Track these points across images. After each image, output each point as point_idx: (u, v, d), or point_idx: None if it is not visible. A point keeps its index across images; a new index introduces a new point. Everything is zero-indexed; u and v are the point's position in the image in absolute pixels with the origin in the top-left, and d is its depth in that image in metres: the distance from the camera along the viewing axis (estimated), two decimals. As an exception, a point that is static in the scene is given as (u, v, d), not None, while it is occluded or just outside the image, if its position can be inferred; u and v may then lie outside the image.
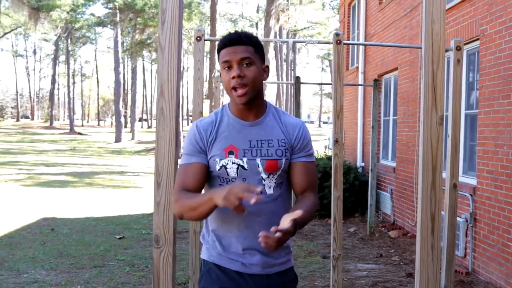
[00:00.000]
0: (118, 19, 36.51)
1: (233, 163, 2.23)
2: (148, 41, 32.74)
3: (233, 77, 2.18)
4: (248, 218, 2.22)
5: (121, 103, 41.63)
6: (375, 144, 9.32)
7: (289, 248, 2.44)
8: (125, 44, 45.45)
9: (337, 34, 5.07)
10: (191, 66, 7.55)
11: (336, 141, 4.95)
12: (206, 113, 12.67)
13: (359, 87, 12.60)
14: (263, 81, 2.34)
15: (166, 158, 2.48)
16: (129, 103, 57.83)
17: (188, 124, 56.74)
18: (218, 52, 2.32)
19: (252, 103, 2.25)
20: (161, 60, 2.52)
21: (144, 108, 74.13)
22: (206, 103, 12.90)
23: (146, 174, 19.32)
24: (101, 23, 46.79)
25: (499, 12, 6.18)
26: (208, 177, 2.30)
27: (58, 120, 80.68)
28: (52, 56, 65.60)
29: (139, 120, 67.54)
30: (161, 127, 2.49)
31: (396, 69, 10.15)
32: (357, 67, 12.98)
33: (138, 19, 32.17)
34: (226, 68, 2.22)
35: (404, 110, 9.53)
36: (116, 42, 39.47)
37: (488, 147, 6.38)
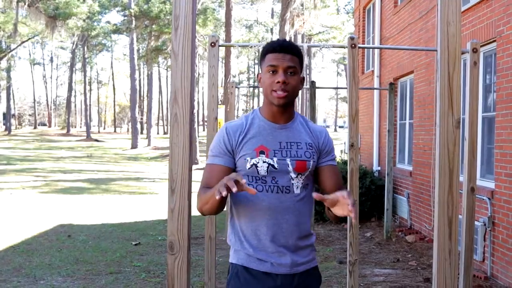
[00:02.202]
0: (133, 26, 36.74)
1: (263, 162, 2.33)
2: (164, 48, 32.90)
3: (278, 82, 2.30)
4: (276, 217, 2.34)
5: (137, 109, 41.84)
6: (391, 148, 9.26)
7: (313, 246, 2.52)
8: (140, 51, 45.73)
9: (351, 38, 5.04)
10: (206, 72, 7.60)
11: (351, 146, 4.92)
12: (221, 119, 12.68)
13: (375, 90, 12.54)
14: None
15: (180, 164, 2.47)
16: (145, 110, 58.12)
17: (204, 130, 56.86)
18: (264, 55, 2.40)
19: (286, 108, 2.39)
20: (174, 66, 2.51)
21: (160, 114, 74.47)
22: (221, 109, 12.90)
23: (162, 180, 19.37)
24: (117, 30, 47.14)
25: (516, 14, 6.12)
26: (238, 169, 2.39)
27: (75, 127, 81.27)
28: (69, 63, 66.19)
29: (155, 125, 67.84)
30: (175, 133, 2.49)
31: (412, 72, 10.09)
32: (373, 71, 12.93)
33: (154, 26, 32.34)
34: (271, 72, 2.33)
35: (421, 114, 9.46)
36: (131, 49, 39.70)
37: (506, 150, 6.31)
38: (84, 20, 42.10)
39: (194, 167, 25.86)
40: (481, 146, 7.26)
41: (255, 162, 2.33)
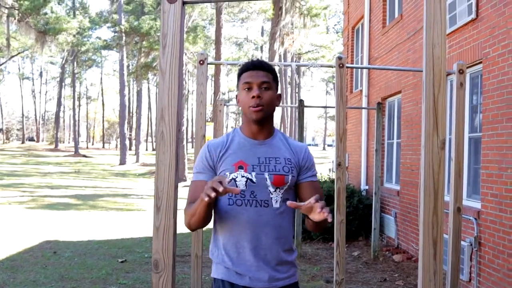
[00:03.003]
0: (123, 42, 36.78)
1: (242, 176, 2.40)
2: (153, 64, 32.91)
3: (253, 97, 2.42)
4: (255, 230, 2.39)
5: (126, 125, 41.75)
6: (379, 167, 9.30)
7: (293, 262, 2.55)
8: (130, 67, 45.74)
9: (339, 58, 5.08)
10: (195, 89, 7.54)
11: (339, 165, 4.94)
12: (209, 136, 12.69)
13: (363, 110, 12.61)
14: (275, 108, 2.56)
15: (166, 182, 2.46)
16: (134, 126, 58.00)
17: (192, 147, 56.76)
18: (240, 75, 2.54)
19: (264, 124, 2.49)
20: (161, 84, 2.52)
21: (149, 131, 74.32)
22: (210, 126, 12.90)
23: (150, 197, 19.29)
24: (107, 46, 47.18)
25: (502, 36, 6.20)
26: (218, 198, 2.43)
27: (63, 142, 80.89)
28: (58, 78, 66.06)
29: (144, 142, 67.67)
30: (161, 151, 2.49)
31: (399, 92, 10.17)
32: (361, 90, 13.01)
33: (144, 42, 32.36)
34: (246, 89, 2.47)
35: (408, 133, 9.52)
36: (121, 65, 39.72)
37: (492, 170, 6.36)
38: (74, 36, 42.05)
39: (181, 184, 25.78)
40: (468, 166, 7.30)
41: (234, 177, 2.40)
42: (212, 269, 2.56)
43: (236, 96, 2.61)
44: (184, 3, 2.61)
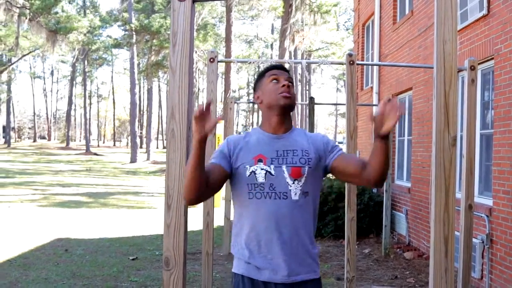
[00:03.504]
0: (134, 40, 36.90)
1: (261, 169, 2.46)
2: (164, 62, 33.04)
3: (283, 85, 2.54)
4: (275, 222, 2.42)
5: (136, 123, 41.86)
6: (390, 164, 9.27)
7: (314, 258, 2.56)
8: (141, 65, 45.87)
9: (349, 55, 5.07)
10: (206, 87, 7.59)
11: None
12: (220, 134, 12.68)
13: (374, 107, 12.56)
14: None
15: (176, 180, 2.47)
16: (144, 124, 58.17)
17: (203, 145, 56.77)
18: (263, 74, 2.68)
19: (286, 116, 2.58)
20: (172, 82, 2.53)
21: (160, 129, 74.52)
22: (220, 124, 12.91)
23: (160, 195, 19.33)
24: (117, 45, 47.34)
25: (514, 32, 6.16)
26: (236, 186, 2.52)
27: (75, 140, 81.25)
28: (69, 77, 66.41)
29: (155, 140, 67.82)
30: (172, 149, 2.50)
31: (410, 89, 10.12)
32: (372, 87, 12.96)
33: (154, 40, 32.48)
34: (274, 81, 2.59)
35: (419, 130, 9.48)
36: (132, 63, 39.82)
37: (504, 167, 6.32)
38: (85, 34, 42.25)
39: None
40: (479, 163, 7.26)
41: (254, 170, 2.45)
42: (233, 264, 2.59)
43: (254, 94, 2.69)
44: (194, 1, 2.62)
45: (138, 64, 44.98)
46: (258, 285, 2.47)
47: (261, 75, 2.69)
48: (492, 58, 6.79)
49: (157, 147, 67.24)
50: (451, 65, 2.52)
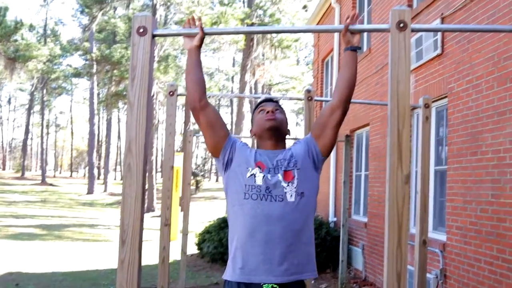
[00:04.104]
0: (94, 70, 36.62)
1: (260, 173, 2.65)
2: (124, 93, 32.82)
3: (267, 112, 2.80)
4: (271, 223, 2.56)
5: (95, 154, 41.34)
6: (347, 199, 9.36)
7: (310, 257, 2.68)
8: (101, 95, 45.46)
9: (308, 91, 5.15)
10: (165, 120, 7.52)
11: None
12: (178, 167, 12.60)
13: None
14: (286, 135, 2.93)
15: (131, 215, 2.46)
16: (103, 155, 57.42)
17: (161, 177, 56.39)
18: (254, 110, 2.95)
19: (278, 141, 2.82)
20: (129, 116, 2.53)
21: (118, 160, 73.59)
22: (179, 156, 12.84)
23: (117, 227, 19.02)
24: (77, 74, 46.82)
25: (466, 71, 6.36)
26: (234, 184, 2.69)
27: (30, 170, 79.48)
28: (27, 106, 65.27)
29: (113, 171, 66.93)
30: (128, 183, 2.48)
31: (367, 124, 10.30)
32: (330, 122, 13.10)
33: (115, 71, 32.28)
34: (261, 112, 2.84)
35: (376, 166, 9.62)
36: (92, 93, 39.50)
37: (457, 203, 6.45)
38: (44, 63, 41.75)
39: (150, 214, 25.51)
40: (433, 198, 7.40)
41: (254, 173, 2.64)
42: (226, 271, 2.69)
43: (251, 130, 2.95)
44: (154, 36, 2.64)
45: (98, 94, 44.61)
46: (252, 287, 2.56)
47: (253, 113, 2.95)
48: (446, 96, 6.98)
49: (115, 179, 66.28)
50: (405, 105, 2.59)
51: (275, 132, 2.79)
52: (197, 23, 2.69)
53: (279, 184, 2.63)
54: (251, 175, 2.64)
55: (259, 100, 2.96)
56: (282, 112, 2.89)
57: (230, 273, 2.63)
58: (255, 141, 2.91)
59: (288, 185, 2.63)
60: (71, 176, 76.02)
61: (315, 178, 2.80)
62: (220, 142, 2.75)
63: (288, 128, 2.93)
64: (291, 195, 2.62)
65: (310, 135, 2.84)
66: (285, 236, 2.56)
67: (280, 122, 2.81)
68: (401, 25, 2.57)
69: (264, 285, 2.55)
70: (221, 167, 2.78)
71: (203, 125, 2.74)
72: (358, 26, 2.73)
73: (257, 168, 2.66)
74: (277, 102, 2.92)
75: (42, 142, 58.14)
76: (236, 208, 2.65)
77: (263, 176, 2.63)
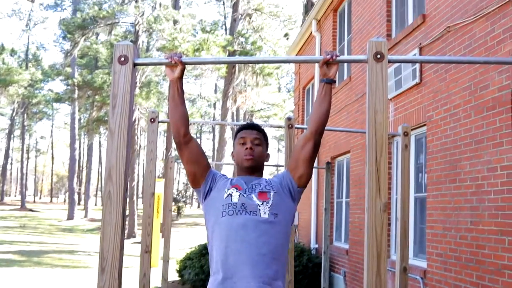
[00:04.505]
0: (76, 95, 36.50)
1: (236, 191, 2.84)
2: (106, 119, 32.70)
3: (246, 148, 2.94)
4: (244, 234, 2.70)
5: (75, 180, 40.99)
6: (328, 226, 9.39)
7: (279, 274, 2.76)
8: (82, 120, 45.24)
9: (288, 119, 5.20)
10: (146, 146, 7.56)
11: (287, 224, 4.98)
12: (159, 193, 12.57)
13: (313, 169, 12.75)
14: (264, 162, 3.10)
15: (111, 242, 2.45)
16: (83, 180, 56.93)
17: (143, 203, 55.95)
18: (236, 134, 3.07)
19: (254, 172, 2.98)
20: (110, 144, 2.54)
21: (99, 185, 72.98)
22: (161, 182, 12.81)
23: (97, 254, 18.79)
24: (59, 99, 46.54)
25: (444, 100, 6.46)
26: (212, 208, 2.86)
27: (10, 196, 78.50)
28: (7, 130, 64.72)
29: (93, 196, 66.31)
30: (108, 210, 2.49)
31: (348, 152, 10.37)
32: (311, 149, 13.17)
33: (96, 96, 32.19)
34: (241, 144, 2.98)
35: (357, 192, 9.67)
36: (73, 118, 39.30)
37: (437, 230, 6.50)
38: (25, 88, 41.63)
39: (131, 240, 25.27)
40: (414, 226, 7.44)
41: (231, 193, 2.83)
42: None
43: (232, 153, 3.10)
44: (135, 65, 2.67)
45: (79, 119, 44.41)
46: None
47: (234, 136, 3.09)
48: (425, 125, 7.07)
49: (96, 204, 65.69)
50: (382, 134, 2.64)
51: (252, 169, 2.97)
52: (176, 57, 2.76)
53: (254, 202, 2.79)
54: (228, 195, 2.83)
55: (240, 126, 3.10)
56: (262, 140, 3.02)
57: (209, 285, 2.75)
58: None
59: (262, 204, 2.80)
60: (51, 201, 75.21)
61: (291, 206, 2.91)
62: (202, 174, 2.93)
63: (268, 152, 3.09)
64: (265, 213, 2.77)
65: (286, 170, 2.99)
66: (257, 246, 2.68)
67: (258, 158, 2.97)
68: (378, 56, 2.63)
69: None
70: (201, 197, 2.94)
71: (186, 158, 2.89)
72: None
73: (234, 189, 2.85)
74: (257, 129, 3.04)
75: (22, 167, 57.53)
76: (215, 228, 2.79)
77: (239, 195, 2.81)
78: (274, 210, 2.79)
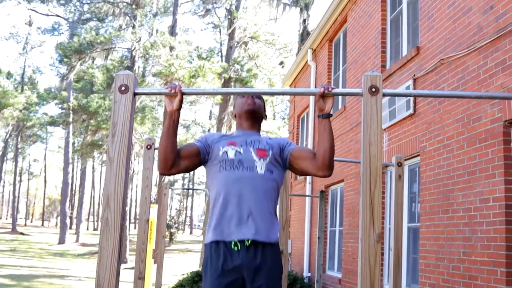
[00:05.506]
0: (71, 119, 36.53)
1: (232, 149, 2.98)
2: (100, 143, 32.72)
3: (248, 97, 3.13)
4: (240, 187, 2.88)
5: (67, 203, 40.78)
6: (321, 254, 9.37)
7: (273, 226, 2.94)
8: (76, 144, 45.19)
9: (284, 148, 5.24)
10: (141, 170, 7.61)
11: (281, 253, 4.99)
12: (153, 219, 12.52)
13: (307, 197, 12.79)
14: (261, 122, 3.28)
15: (108, 269, 2.48)
16: (76, 204, 56.62)
17: (135, 228, 55.64)
18: (236, 100, 3.25)
19: (254, 123, 3.17)
20: (109, 171, 2.58)
21: (91, 210, 72.62)
22: (154, 208, 12.78)
23: (88, 279, 18.67)
24: (53, 122, 46.58)
25: (437, 131, 6.54)
26: (211, 165, 3.02)
27: (1, 218, 77.92)
28: (0, 153, 64.50)
29: (85, 221, 65.87)
30: (105, 237, 2.51)
31: (342, 180, 10.42)
32: (305, 178, 13.23)
33: (91, 120, 32.24)
34: (242, 97, 3.17)
35: (350, 221, 9.69)
36: (67, 142, 39.26)
37: (430, 260, 6.52)
38: (20, 111, 41.62)
39: (123, 266, 25.09)
40: (407, 255, 7.46)
41: (226, 150, 2.98)
42: (205, 239, 2.96)
43: (233, 112, 3.27)
44: (135, 94, 2.72)
45: (73, 143, 44.36)
46: (229, 246, 2.84)
47: (235, 99, 3.25)
48: (418, 155, 7.14)
49: (87, 229, 65.27)
50: (376, 166, 2.68)
51: (252, 114, 3.13)
52: (176, 87, 2.81)
53: (251, 157, 2.96)
54: (224, 152, 2.97)
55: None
56: (261, 98, 3.22)
57: (207, 237, 2.91)
58: (235, 123, 3.25)
59: (260, 160, 2.97)
60: (42, 225, 74.68)
61: (282, 171, 3.08)
62: (199, 158, 3.02)
63: (265, 113, 3.25)
64: (261, 168, 2.95)
65: (290, 148, 3.07)
66: (252, 199, 2.86)
67: (258, 107, 3.15)
68: (373, 89, 2.70)
69: (233, 242, 2.83)
70: (203, 165, 3.08)
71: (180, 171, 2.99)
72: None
73: (229, 146, 2.99)
74: (257, 96, 3.20)
75: (14, 190, 57.21)
76: (214, 180, 2.98)
77: (235, 151, 2.97)
78: (270, 167, 2.97)
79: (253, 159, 2.96)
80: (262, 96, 3.27)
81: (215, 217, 2.90)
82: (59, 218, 52.88)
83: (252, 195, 2.87)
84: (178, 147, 2.93)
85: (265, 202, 2.91)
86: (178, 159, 2.90)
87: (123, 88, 2.66)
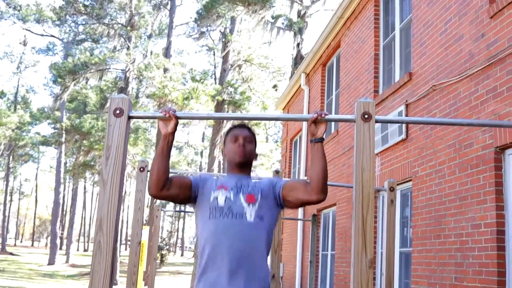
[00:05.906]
0: (63, 139, 36.44)
1: (222, 194, 2.94)
2: (92, 163, 32.62)
3: (239, 146, 3.05)
4: (230, 237, 2.81)
5: (58, 224, 40.50)
6: (313, 278, 9.34)
7: (265, 277, 2.90)
8: (68, 164, 45.03)
9: (276, 172, 5.26)
10: (133, 191, 7.59)
11: (272, 277, 4.98)
12: (144, 241, 12.46)
13: (299, 221, 12.77)
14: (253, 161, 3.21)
15: (99, 292, 2.47)
16: (66, 225, 56.24)
17: (126, 249, 55.25)
18: (228, 133, 3.19)
19: (243, 169, 3.09)
20: (102, 194, 2.59)
21: (82, 231, 72.10)
22: (146, 230, 12.73)
23: (77, 301, 18.49)
24: (45, 142, 46.49)
25: (429, 156, 6.58)
26: (201, 210, 2.96)
27: (-10, 238, 77.20)
28: (-9, 172, 64.15)
29: (76, 241, 65.38)
30: (97, 260, 2.51)
31: (334, 204, 10.42)
32: (298, 200, 13.20)
33: (84, 141, 32.18)
34: (233, 141, 3.09)
35: (342, 246, 9.67)
36: (59, 162, 39.11)
37: (422, 286, 6.51)
38: (13, 130, 41.52)
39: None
40: (399, 280, 7.44)
41: (216, 196, 2.94)
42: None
43: (223, 151, 3.25)
44: (129, 118, 2.74)
45: (65, 163, 44.20)
46: None
47: (226, 134, 3.21)
48: (410, 180, 7.17)
49: (78, 250, 64.75)
50: (369, 192, 2.70)
51: (243, 165, 3.08)
52: (171, 110, 2.84)
53: (240, 203, 2.90)
54: (214, 198, 2.93)
55: (232, 126, 3.23)
56: (252, 139, 3.15)
57: (198, 286, 2.85)
58: (226, 163, 3.23)
59: (249, 206, 2.91)
60: (32, 245, 74.01)
61: (275, 212, 3.03)
62: (189, 192, 2.98)
63: (256, 153, 3.20)
64: (251, 215, 2.89)
65: (280, 184, 3.03)
66: (241, 250, 2.79)
67: (249, 154, 3.09)
68: (366, 116, 2.73)
69: None
70: (191, 205, 3.06)
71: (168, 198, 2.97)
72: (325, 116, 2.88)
73: (219, 191, 2.96)
74: (248, 129, 3.17)
75: (4, 209, 56.85)
76: (203, 227, 2.91)
77: (225, 198, 2.92)
78: (260, 212, 2.91)
79: (242, 206, 2.90)
80: (253, 133, 3.21)
81: (203, 267, 2.86)
82: (49, 238, 52.52)
83: (240, 246, 2.81)
84: (171, 175, 2.92)
85: (255, 254, 2.85)
86: (169, 184, 2.88)
87: (117, 111, 2.68)
